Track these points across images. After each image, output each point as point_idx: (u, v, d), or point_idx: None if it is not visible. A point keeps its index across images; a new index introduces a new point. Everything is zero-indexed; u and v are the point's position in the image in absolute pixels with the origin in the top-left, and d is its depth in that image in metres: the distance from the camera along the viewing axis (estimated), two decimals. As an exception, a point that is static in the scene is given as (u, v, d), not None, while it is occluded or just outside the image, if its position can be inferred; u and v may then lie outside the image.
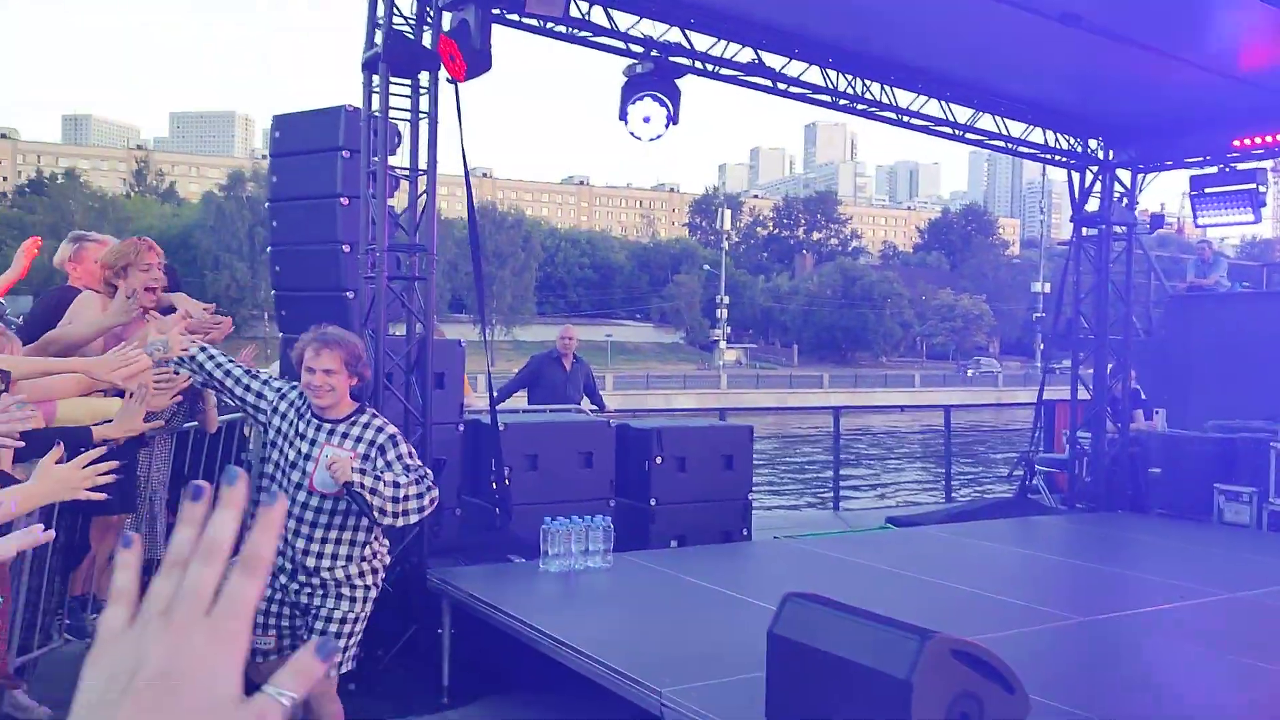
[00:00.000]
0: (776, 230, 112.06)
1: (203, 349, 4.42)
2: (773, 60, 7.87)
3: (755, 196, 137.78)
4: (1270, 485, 8.62)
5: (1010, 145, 9.69)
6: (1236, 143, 9.61)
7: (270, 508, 0.71)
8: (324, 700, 4.16)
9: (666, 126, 7.38)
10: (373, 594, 4.33)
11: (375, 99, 6.32)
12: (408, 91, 6.37)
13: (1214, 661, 5.01)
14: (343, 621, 4.21)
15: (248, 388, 4.37)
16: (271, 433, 4.33)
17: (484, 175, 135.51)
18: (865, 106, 8.51)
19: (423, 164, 6.44)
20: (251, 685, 0.67)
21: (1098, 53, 7.68)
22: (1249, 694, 4.61)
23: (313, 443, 4.18)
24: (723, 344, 76.31)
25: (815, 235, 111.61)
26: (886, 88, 8.51)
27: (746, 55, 7.76)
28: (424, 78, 6.38)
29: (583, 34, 7.18)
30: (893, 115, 8.71)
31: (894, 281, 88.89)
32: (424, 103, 6.40)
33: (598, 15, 7.17)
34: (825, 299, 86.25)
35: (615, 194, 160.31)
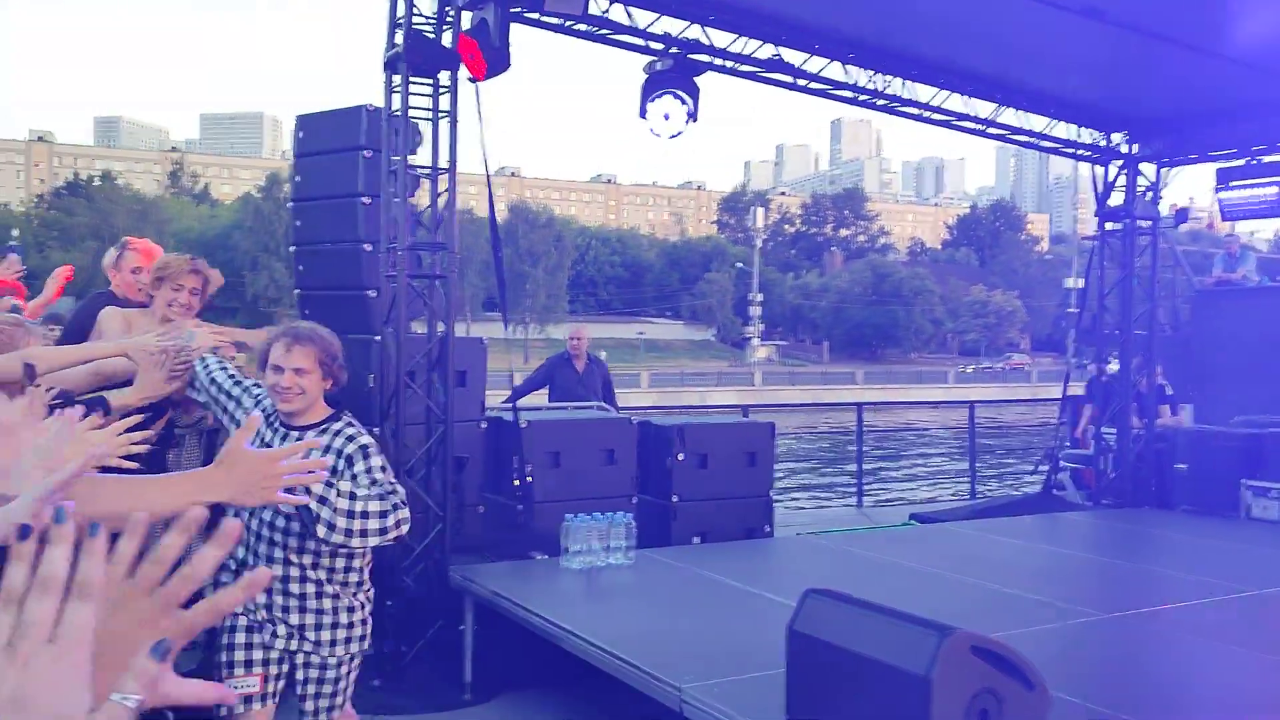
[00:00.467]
0: (804, 227, 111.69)
1: (214, 352, 4.41)
2: (792, 56, 7.85)
3: (781, 193, 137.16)
4: (1298, 481, 8.52)
5: (1033, 140, 9.61)
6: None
7: (93, 539, 0.81)
8: None
9: (686, 124, 7.39)
10: (367, 611, 3.80)
11: (396, 98, 6.36)
12: (429, 91, 6.40)
13: (1241, 659, 4.97)
14: (333, 644, 3.68)
15: (229, 394, 3.89)
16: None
17: (512, 174, 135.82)
18: (886, 102, 8.47)
19: (443, 163, 6.47)
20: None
21: (1121, 46, 7.62)
22: (1278, 692, 4.57)
23: None
24: (755, 340, 76.16)
25: (843, 232, 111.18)
26: (908, 83, 8.47)
27: (766, 51, 7.75)
28: (444, 77, 6.42)
29: (602, 31, 7.19)
30: (914, 110, 8.67)
31: (924, 278, 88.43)
32: (444, 102, 6.43)
33: (617, 13, 7.18)
34: (855, 296, 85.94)
35: (642, 192, 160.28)
